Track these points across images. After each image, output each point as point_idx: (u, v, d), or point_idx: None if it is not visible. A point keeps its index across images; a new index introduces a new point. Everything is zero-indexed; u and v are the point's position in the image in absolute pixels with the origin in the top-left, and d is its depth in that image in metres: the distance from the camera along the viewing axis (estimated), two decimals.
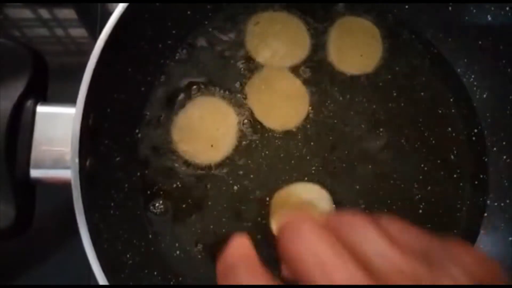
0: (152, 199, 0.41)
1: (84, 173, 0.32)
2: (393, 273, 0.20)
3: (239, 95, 0.43)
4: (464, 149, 0.44)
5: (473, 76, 0.45)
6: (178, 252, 0.40)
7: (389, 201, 0.42)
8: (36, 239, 0.46)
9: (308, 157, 0.43)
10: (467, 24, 0.43)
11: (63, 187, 0.32)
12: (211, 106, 0.43)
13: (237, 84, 0.43)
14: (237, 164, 0.42)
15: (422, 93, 0.45)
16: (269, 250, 0.40)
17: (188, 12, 0.42)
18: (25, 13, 0.53)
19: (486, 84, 0.44)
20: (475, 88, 0.45)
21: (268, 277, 0.23)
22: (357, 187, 0.42)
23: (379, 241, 0.21)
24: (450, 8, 0.44)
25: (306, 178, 0.42)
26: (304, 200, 0.42)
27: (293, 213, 0.25)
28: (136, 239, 0.39)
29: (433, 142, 0.44)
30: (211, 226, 0.41)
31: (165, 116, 0.42)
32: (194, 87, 0.43)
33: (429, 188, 0.43)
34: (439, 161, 0.44)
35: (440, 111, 0.45)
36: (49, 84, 0.36)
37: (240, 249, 0.25)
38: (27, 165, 0.32)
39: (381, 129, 0.44)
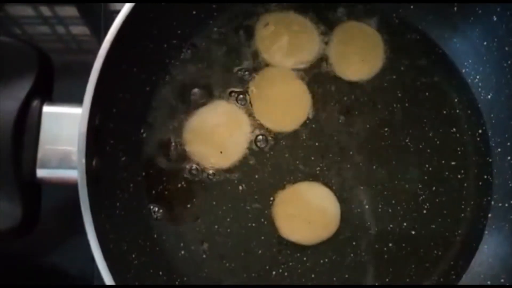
0: (157, 199, 0.41)
1: (90, 173, 0.32)
2: None
3: (241, 96, 0.43)
4: (469, 149, 0.44)
5: (478, 77, 0.45)
6: (183, 252, 0.40)
7: (393, 201, 0.42)
8: (40, 239, 0.46)
9: (312, 158, 0.43)
10: (472, 25, 0.43)
11: (68, 187, 0.32)
12: (227, 112, 0.43)
13: (241, 85, 0.43)
14: (243, 166, 0.42)
15: (427, 94, 0.45)
16: (272, 250, 0.41)
17: (193, 12, 0.42)
18: (26, 10, 0.53)
19: (491, 85, 0.44)
20: (479, 89, 0.45)
21: None
22: (361, 187, 0.42)
23: None
24: (455, 8, 0.44)
25: (311, 178, 0.42)
26: (309, 200, 0.42)
27: None
28: (141, 239, 0.39)
29: (438, 142, 0.44)
30: (216, 226, 0.41)
31: (170, 117, 0.42)
32: (198, 88, 0.43)
33: (433, 188, 0.43)
34: (443, 162, 0.44)
35: (444, 112, 0.45)
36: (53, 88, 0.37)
37: None
38: (33, 165, 0.32)
39: (386, 129, 0.44)
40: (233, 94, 0.43)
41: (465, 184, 0.44)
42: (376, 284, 0.41)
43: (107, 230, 0.33)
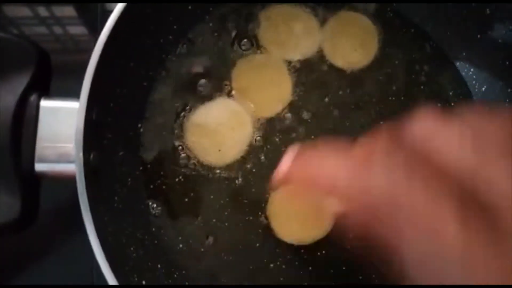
0: (155, 193, 0.41)
1: (88, 167, 0.32)
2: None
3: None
4: None
5: (472, 70, 0.45)
6: (181, 245, 0.40)
7: None
8: (39, 236, 0.46)
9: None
10: (466, 18, 0.44)
11: (67, 183, 0.32)
12: (231, 110, 0.43)
13: None
14: (241, 161, 0.42)
15: (421, 87, 0.45)
16: (270, 243, 0.41)
17: (189, 7, 0.43)
18: (23, 11, 0.53)
19: (485, 77, 0.45)
20: (474, 82, 0.45)
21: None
22: None
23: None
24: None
25: None
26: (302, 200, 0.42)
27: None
28: (140, 232, 0.39)
29: None
30: (214, 220, 0.41)
31: (167, 112, 0.42)
32: (195, 83, 0.43)
33: None
34: None
35: (439, 105, 0.45)
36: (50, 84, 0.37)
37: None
38: (31, 159, 0.33)
39: (380, 123, 0.44)
40: (226, 86, 0.43)
41: None
42: (374, 276, 0.41)
43: (105, 223, 0.33)
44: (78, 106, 0.32)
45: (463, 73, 0.46)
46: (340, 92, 0.44)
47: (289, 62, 0.44)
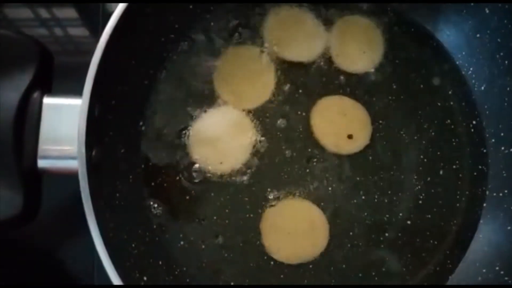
0: (156, 191, 0.41)
1: (90, 163, 0.32)
2: None
3: None
4: (463, 140, 0.45)
5: (471, 69, 0.46)
6: (182, 242, 0.41)
7: (389, 192, 0.43)
8: (40, 233, 0.46)
9: (309, 149, 0.43)
10: (465, 17, 0.44)
11: (69, 180, 0.33)
12: (233, 119, 0.43)
13: None
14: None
15: (422, 86, 0.45)
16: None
17: (190, 6, 0.43)
18: (24, 13, 0.53)
19: (484, 76, 0.45)
20: (473, 81, 0.46)
21: None
22: (358, 178, 0.43)
23: None
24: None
25: (309, 176, 0.43)
26: (297, 218, 0.42)
27: None
28: (141, 229, 0.39)
29: (433, 134, 0.45)
30: (214, 217, 0.41)
31: (168, 110, 0.43)
32: (196, 81, 0.43)
33: (428, 179, 0.43)
34: (438, 153, 0.44)
35: (439, 104, 0.45)
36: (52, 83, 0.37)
37: None
38: (34, 155, 0.33)
39: (380, 121, 0.44)
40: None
41: (460, 175, 0.44)
42: (373, 273, 0.42)
43: (107, 218, 0.33)
44: (80, 103, 0.32)
45: (463, 72, 0.46)
46: (341, 91, 0.45)
47: (293, 64, 0.44)
